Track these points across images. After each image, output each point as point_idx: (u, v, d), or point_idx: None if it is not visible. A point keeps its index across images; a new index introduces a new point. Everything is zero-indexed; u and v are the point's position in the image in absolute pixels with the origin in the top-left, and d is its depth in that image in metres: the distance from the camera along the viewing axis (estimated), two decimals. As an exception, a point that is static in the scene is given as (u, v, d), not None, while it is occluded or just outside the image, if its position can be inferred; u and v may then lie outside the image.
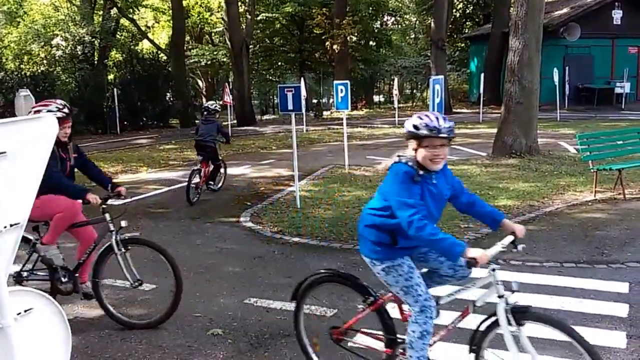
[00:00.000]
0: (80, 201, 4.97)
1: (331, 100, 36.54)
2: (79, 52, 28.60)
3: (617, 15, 27.19)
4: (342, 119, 13.05)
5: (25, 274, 5.06)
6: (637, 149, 10.33)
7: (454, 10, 38.49)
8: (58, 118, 3.90)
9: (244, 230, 8.24)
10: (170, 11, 31.40)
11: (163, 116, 29.19)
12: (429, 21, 32.54)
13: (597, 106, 25.84)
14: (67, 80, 27.58)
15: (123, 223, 4.94)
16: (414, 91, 42.49)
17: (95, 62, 29.99)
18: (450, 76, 38.36)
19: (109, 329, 4.96)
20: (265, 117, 36.96)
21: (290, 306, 5.34)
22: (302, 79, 24.78)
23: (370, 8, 36.27)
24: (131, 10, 32.74)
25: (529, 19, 12.75)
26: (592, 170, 9.49)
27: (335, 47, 29.53)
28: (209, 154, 10.44)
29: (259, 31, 34.90)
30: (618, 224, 7.66)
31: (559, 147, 14.59)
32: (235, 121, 26.67)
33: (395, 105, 25.02)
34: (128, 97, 26.90)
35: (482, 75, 24.14)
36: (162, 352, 4.53)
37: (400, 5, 43.39)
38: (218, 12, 35.28)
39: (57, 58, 28.96)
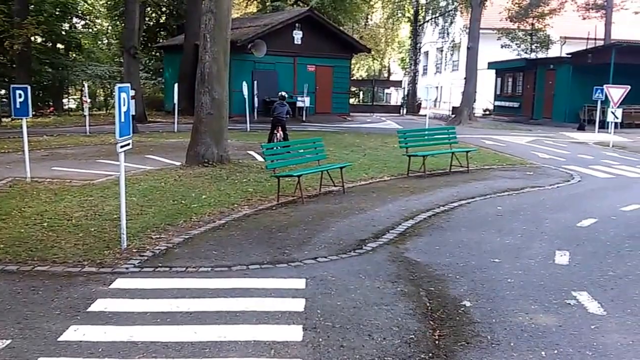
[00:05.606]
0: None
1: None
2: None
3: (297, 35, 30.15)
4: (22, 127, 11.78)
5: None
6: (314, 157, 11.61)
7: (147, 19, 38.04)
8: None
9: None
10: None
11: None
12: (121, 27, 31.59)
13: (283, 118, 28.17)
14: None
15: None
16: (108, 98, 40.73)
17: None
18: (146, 85, 37.86)
19: None
20: None
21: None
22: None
23: (57, 9, 33.70)
24: None
25: (217, 33, 13.23)
26: (276, 177, 10.29)
27: (15, 47, 26.60)
28: (282, 125, 16.14)
29: None
30: (297, 225, 8.43)
31: (248, 156, 15.46)
32: None
33: (86, 113, 23.59)
34: None
35: (177, 85, 24.31)
36: None
37: (90, 9, 41.24)
38: None
39: None
